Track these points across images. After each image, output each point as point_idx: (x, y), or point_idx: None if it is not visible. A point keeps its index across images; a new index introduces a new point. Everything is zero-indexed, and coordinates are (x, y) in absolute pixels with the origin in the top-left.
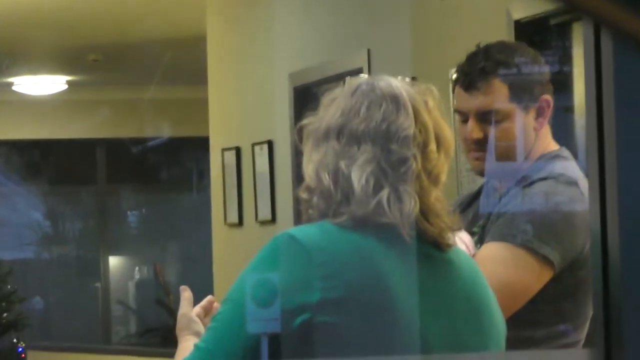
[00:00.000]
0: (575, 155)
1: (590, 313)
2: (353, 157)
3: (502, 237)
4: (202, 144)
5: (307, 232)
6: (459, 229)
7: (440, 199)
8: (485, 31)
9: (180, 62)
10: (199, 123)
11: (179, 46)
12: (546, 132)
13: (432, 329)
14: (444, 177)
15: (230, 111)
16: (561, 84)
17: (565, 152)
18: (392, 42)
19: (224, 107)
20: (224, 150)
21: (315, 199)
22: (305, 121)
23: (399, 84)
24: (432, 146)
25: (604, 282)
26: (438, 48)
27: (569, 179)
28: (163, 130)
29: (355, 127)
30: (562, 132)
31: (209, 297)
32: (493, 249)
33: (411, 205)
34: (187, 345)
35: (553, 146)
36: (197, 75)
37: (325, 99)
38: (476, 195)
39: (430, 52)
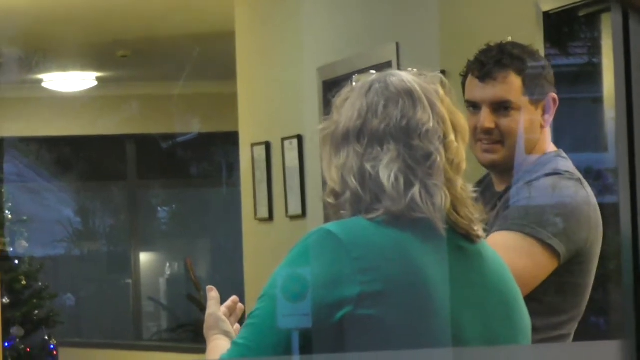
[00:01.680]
0: (605, 147)
1: (584, 307)
2: (378, 158)
3: (511, 227)
4: (231, 139)
5: (343, 227)
6: (484, 220)
7: (465, 188)
8: (514, 23)
9: (209, 57)
10: (228, 118)
11: (207, 41)
12: (548, 131)
13: (466, 321)
14: (464, 165)
15: (260, 106)
16: (591, 76)
17: (564, 154)
18: (421, 35)
19: (253, 102)
20: (253, 145)
21: (342, 203)
22: (320, 126)
23: (410, 77)
24: (452, 136)
25: (635, 275)
26: (466, 41)
27: (573, 175)
28: (192, 125)
29: (376, 127)
30: (592, 124)
31: (233, 297)
32: (502, 237)
33: (442, 198)
34: (217, 344)
35: (553, 147)
36: (226, 70)
37: (337, 101)
38: (477, 187)
39: (458, 45)
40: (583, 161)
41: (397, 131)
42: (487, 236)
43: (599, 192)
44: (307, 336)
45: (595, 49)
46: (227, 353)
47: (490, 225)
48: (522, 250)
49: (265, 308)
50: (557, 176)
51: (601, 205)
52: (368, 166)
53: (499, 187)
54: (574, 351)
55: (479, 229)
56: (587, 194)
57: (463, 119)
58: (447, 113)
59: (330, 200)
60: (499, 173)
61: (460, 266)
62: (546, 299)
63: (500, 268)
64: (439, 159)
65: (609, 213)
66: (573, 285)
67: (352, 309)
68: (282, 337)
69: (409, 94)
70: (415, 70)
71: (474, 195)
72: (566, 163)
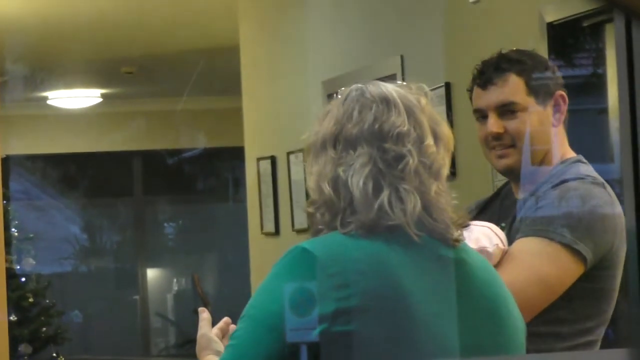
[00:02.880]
0: (611, 158)
1: (611, 312)
2: (349, 163)
3: (537, 233)
4: (237, 154)
5: (318, 243)
6: (465, 225)
7: (442, 192)
8: (518, 34)
9: (214, 73)
10: (233, 133)
11: (212, 56)
12: (564, 136)
13: (449, 332)
14: (445, 171)
15: (265, 120)
16: (595, 86)
17: (584, 159)
18: (425, 48)
19: (259, 116)
20: (259, 159)
21: (320, 211)
22: (303, 137)
23: (389, 86)
24: (429, 141)
25: None
26: (471, 53)
27: (597, 180)
28: (198, 141)
29: (349, 132)
30: (597, 134)
31: (225, 319)
32: (529, 243)
33: (412, 202)
34: None
35: (572, 153)
36: (230, 85)
37: (320, 113)
38: (493, 198)
39: (463, 57)
40: None
41: (370, 134)
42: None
43: None
44: (287, 355)
45: (599, 59)
46: None
47: (515, 231)
48: (547, 256)
49: (246, 329)
50: (580, 181)
51: None
52: (340, 171)
53: (519, 195)
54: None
55: (456, 233)
56: (611, 198)
57: (447, 128)
58: (426, 120)
59: (310, 209)
60: (517, 179)
61: (441, 275)
62: (573, 305)
63: (487, 275)
64: (411, 161)
65: None
66: (600, 290)
67: (327, 326)
68: (261, 356)
69: (384, 100)
70: (402, 83)
71: (454, 201)
72: (588, 168)
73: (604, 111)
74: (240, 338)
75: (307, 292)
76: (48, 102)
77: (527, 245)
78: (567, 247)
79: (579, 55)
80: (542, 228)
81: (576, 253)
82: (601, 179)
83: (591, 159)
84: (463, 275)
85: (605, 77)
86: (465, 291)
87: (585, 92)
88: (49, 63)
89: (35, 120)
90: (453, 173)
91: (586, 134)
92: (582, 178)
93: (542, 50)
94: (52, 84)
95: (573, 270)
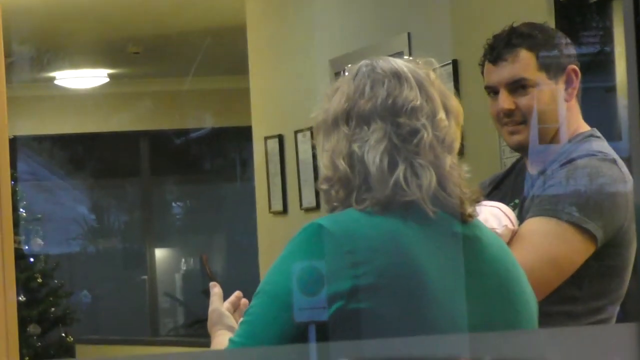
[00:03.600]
0: (619, 136)
1: (625, 289)
2: (364, 138)
3: (546, 212)
4: (244, 133)
5: (335, 220)
6: (478, 200)
7: (456, 166)
8: (525, 12)
9: (220, 52)
10: (241, 112)
11: (219, 36)
12: (577, 110)
13: (463, 309)
14: (457, 145)
15: (272, 99)
16: (603, 64)
17: (598, 133)
18: (432, 25)
19: (266, 96)
20: (266, 138)
21: (335, 188)
22: (312, 114)
23: (399, 61)
24: (441, 115)
25: None
26: (478, 30)
27: (608, 156)
28: (205, 120)
29: (362, 107)
30: (605, 113)
31: (236, 293)
32: (539, 223)
33: (428, 178)
34: (221, 340)
35: (585, 127)
36: (238, 64)
37: (329, 90)
38: (508, 173)
39: (470, 34)
40: None
41: (383, 110)
42: (520, 223)
43: None
44: (302, 332)
45: (607, 37)
46: (225, 350)
47: (526, 210)
48: (558, 235)
49: (260, 305)
50: (592, 158)
51: None
52: (355, 147)
53: (532, 170)
54: (590, 334)
55: (469, 208)
56: (622, 174)
57: (456, 101)
58: (437, 94)
59: (324, 186)
60: (529, 155)
61: (456, 252)
62: (585, 283)
63: (500, 252)
64: (425, 135)
65: None
66: (612, 268)
67: (343, 304)
68: (276, 333)
69: (396, 75)
70: (408, 57)
71: (467, 175)
72: (600, 143)
73: (611, 89)
74: (255, 314)
75: (322, 270)
76: (55, 82)
77: (536, 226)
78: (577, 226)
79: (587, 33)
80: (551, 208)
81: (586, 232)
82: (613, 155)
83: None
84: (476, 253)
85: (612, 55)
86: (478, 268)
87: (593, 70)
88: (56, 43)
89: (43, 101)
90: (461, 150)
91: (594, 112)
92: (592, 155)
93: None
94: (59, 64)
95: (583, 250)
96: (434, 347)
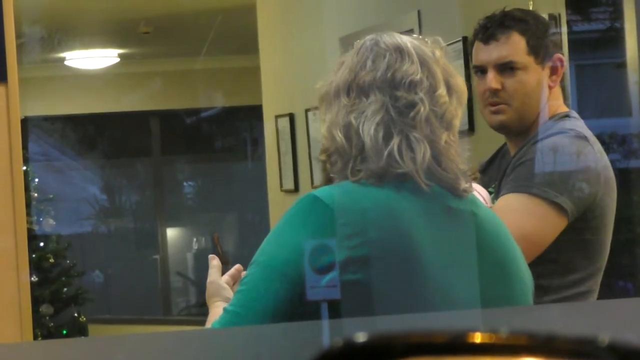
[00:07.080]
0: (629, 111)
1: (603, 262)
2: (362, 110)
3: (517, 189)
4: (255, 112)
5: (330, 192)
6: (475, 177)
7: (453, 143)
8: None
9: (231, 31)
10: (251, 91)
11: (229, 15)
12: (558, 93)
13: (457, 283)
14: (457, 123)
15: (283, 78)
16: (613, 40)
17: (575, 114)
18: (442, 3)
19: (276, 74)
20: (277, 117)
21: (332, 159)
22: (317, 85)
23: (404, 37)
24: (442, 91)
25: None
26: (488, 6)
27: (579, 133)
28: (216, 100)
29: (362, 79)
30: (615, 88)
31: (236, 266)
32: (510, 200)
33: (422, 151)
34: (217, 311)
35: (564, 108)
36: (248, 43)
37: (336, 64)
38: (493, 158)
39: (480, 12)
40: (608, 126)
41: (382, 82)
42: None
43: (623, 157)
44: (295, 302)
45: (617, 13)
46: (219, 320)
47: (501, 188)
48: (529, 211)
49: (254, 274)
50: (561, 135)
51: (626, 170)
52: (352, 118)
53: (513, 152)
54: (600, 309)
55: (464, 183)
56: (594, 150)
57: (461, 79)
58: (440, 71)
59: (322, 157)
60: (510, 136)
61: (451, 226)
62: (560, 257)
63: (496, 228)
64: (422, 109)
65: (635, 177)
66: (586, 241)
67: (337, 274)
68: (269, 303)
69: (398, 49)
70: (417, 36)
71: (467, 153)
72: (574, 122)
73: (621, 65)
74: (250, 284)
75: (326, 244)
76: (66, 62)
77: (508, 202)
78: (548, 200)
79: (597, 10)
80: (523, 184)
81: (557, 206)
82: (586, 133)
83: (609, 113)
84: (472, 228)
85: (622, 31)
86: (473, 243)
87: (603, 46)
88: (66, 24)
89: (53, 82)
90: (471, 129)
91: (604, 88)
92: (564, 132)
93: (560, 5)
94: (70, 44)
95: (555, 224)
96: (439, 323)
